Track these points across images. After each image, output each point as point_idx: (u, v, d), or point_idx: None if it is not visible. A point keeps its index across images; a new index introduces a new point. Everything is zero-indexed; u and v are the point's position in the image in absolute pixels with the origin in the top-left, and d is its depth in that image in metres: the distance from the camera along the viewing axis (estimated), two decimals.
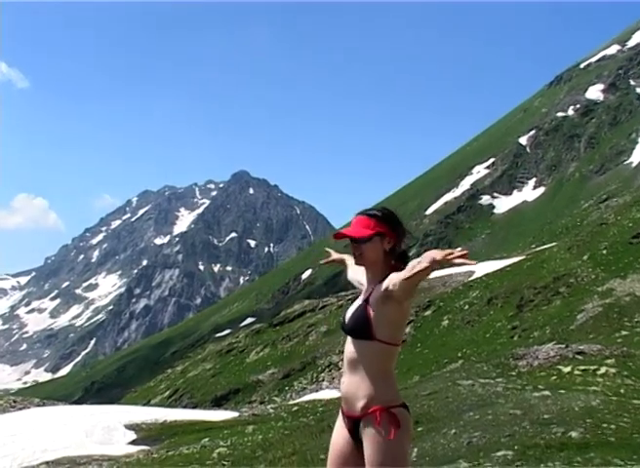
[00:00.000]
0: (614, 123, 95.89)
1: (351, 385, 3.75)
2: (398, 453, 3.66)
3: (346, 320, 3.86)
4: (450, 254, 3.40)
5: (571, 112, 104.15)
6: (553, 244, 42.04)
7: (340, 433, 3.87)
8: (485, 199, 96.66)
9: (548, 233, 55.60)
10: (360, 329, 3.76)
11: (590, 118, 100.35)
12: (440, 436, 10.53)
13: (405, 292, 3.69)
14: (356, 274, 4.22)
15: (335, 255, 4.57)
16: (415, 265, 3.57)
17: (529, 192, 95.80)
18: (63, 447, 20.30)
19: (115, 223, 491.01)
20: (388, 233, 3.91)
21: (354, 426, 3.78)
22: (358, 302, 3.89)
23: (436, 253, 3.49)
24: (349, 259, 4.33)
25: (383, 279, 3.82)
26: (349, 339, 3.81)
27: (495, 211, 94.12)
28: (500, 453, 8.68)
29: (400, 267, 3.85)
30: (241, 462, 14.97)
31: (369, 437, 3.67)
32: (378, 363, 3.75)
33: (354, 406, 3.75)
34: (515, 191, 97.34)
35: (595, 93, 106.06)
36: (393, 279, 3.72)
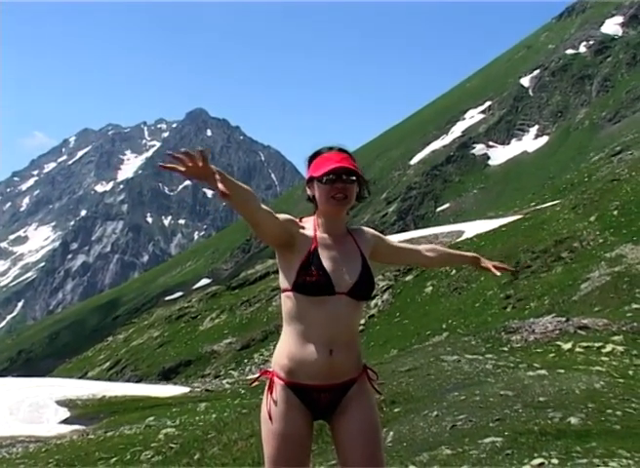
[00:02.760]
0: (632, 63, 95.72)
1: (346, 351, 3.76)
2: None
3: (344, 280, 3.75)
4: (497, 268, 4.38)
5: (583, 49, 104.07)
6: (556, 202, 42.29)
7: (294, 418, 3.77)
8: (478, 148, 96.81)
9: (551, 189, 55.86)
10: (371, 290, 3.86)
11: (605, 56, 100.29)
12: (420, 418, 10.59)
13: (387, 259, 4.13)
14: (275, 225, 3.75)
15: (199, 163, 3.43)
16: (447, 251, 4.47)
17: (530, 142, 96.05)
18: None
19: (49, 166, 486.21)
20: (362, 181, 3.89)
21: (339, 395, 3.80)
22: (345, 257, 3.82)
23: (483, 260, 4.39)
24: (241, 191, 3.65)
25: (345, 229, 3.92)
26: (343, 302, 3.73)
27: (489, 162, 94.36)
28: (487, 440, 8.75)
29: None
30: (191, 445, 15.02)
31: (366, 395, 3.82)
32: (360, 319, 4.03)
33: (350, 369, 3.79)
34: (514, 140, 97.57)
35: (613, 27, 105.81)
36: (389, 241, 4.09)
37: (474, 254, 4.39)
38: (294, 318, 3.76)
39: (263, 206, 3.69)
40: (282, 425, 3.76)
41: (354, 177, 3.78)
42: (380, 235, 4.05)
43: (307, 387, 3.76)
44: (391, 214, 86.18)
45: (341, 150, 3.86)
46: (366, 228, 4.02)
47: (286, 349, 3.80)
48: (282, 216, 3.82)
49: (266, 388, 3.86)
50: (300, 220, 3.91)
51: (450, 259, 4.46)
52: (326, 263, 3.75)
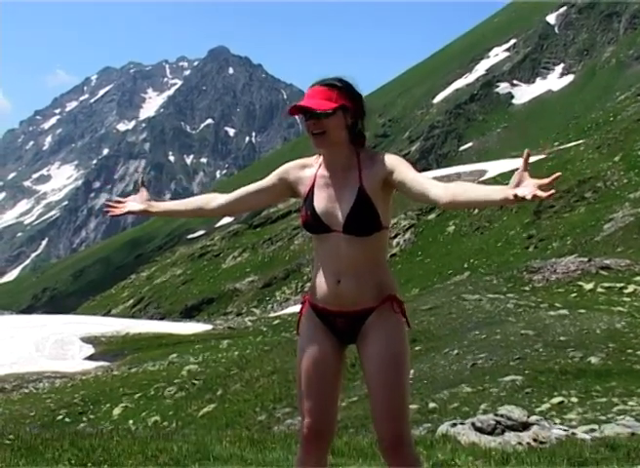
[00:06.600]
0: None
1: (354, 281, 3.78)
2: (408, 343, 3.96)
3: (337, 217, 3.75)
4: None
5: None
6: (580, 141, 41.92)
7: (317, 336, 3.89)
8: (503, 87, 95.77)
9: (575, 129, 55.34)
10: (369, 224, 3.72)
11: None
12: (441, 356, 10.68)
13: (401, 191, 3.71)
14: (251, 198, 4.05)
15: (136, 204, 4.05)
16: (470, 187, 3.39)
17: (554, 80, 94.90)
18: (10, 362, 20.60)
19: (71, 105, 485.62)
20: (351, 107, 3.75)
21: (355, 322, 3.84)
22: (340, 192, 3.77)
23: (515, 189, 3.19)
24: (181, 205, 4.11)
25: (351, 161, 3.78)
26: (343, 238, 3.73)
27: (513, 101, 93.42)
28: (507, 378, 8.82)
29: (357, 149, 3.81)
30: (214, 381, 15.23)
31: (387, 325, 3.80)
32: (383, 251, 3.88)
33: (362, 298, 3.80)
34: (538, 79, 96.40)
35: None
36: (402, 172, 3.67)
37: (504, 195, 3.19)
38: (314, 250, 3.92)
39: (235, 192, 4.05)
40: (305, 341, 3.90)
41: (327, 112, 3.65)
42: (398, 164, 3.71)
43: (322, 310, 3.88)
44: (414, 153, 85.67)
45: (321, 84, 3.75)
46: (386, 155, 3.77)
47: (313, 275, 3.95)
48: (274, 174, 3.98)
49: (300, 308, 4.03)
50: (317, 158, 3.89)
51: (472, 202, 3.41)
52: (318, 202, 3.77)
